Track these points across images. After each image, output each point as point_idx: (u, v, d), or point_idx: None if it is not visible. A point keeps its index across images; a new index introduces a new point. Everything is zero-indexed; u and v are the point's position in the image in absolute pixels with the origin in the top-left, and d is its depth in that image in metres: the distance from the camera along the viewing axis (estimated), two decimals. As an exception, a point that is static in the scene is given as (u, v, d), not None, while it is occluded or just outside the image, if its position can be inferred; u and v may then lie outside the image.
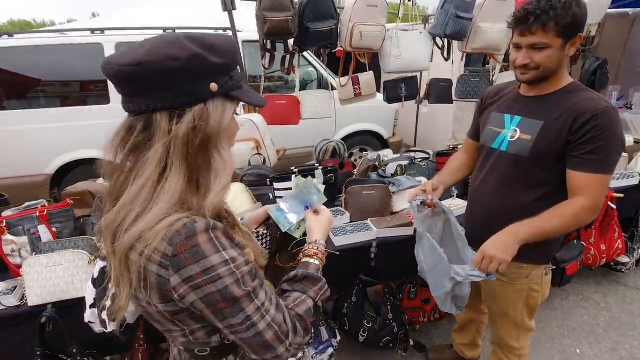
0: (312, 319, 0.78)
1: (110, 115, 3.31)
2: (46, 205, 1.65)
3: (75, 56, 3.36)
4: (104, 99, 3.42)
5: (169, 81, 0.62)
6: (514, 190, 1.30)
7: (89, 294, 1.24)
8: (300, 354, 0.86)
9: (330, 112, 2.47)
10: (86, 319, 1.26)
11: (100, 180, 2.02)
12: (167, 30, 3.86)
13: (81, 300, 1.31)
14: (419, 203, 1.46)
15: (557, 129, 1.19)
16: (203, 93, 0.65)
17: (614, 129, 1.14)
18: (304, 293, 0.79)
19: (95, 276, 1.22)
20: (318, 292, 0.81)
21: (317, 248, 0.90)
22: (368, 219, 1.97)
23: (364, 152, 3.83)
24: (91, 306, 1.24)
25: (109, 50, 3.35)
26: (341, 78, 2.48)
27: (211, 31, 4.04)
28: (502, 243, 1.19)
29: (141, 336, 1.54)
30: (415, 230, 1.95)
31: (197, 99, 0.65)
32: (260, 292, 0.68)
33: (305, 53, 3.30)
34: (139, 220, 0.63)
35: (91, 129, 3.32)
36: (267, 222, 1.06)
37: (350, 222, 2.00)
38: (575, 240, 2.41)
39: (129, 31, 3.69)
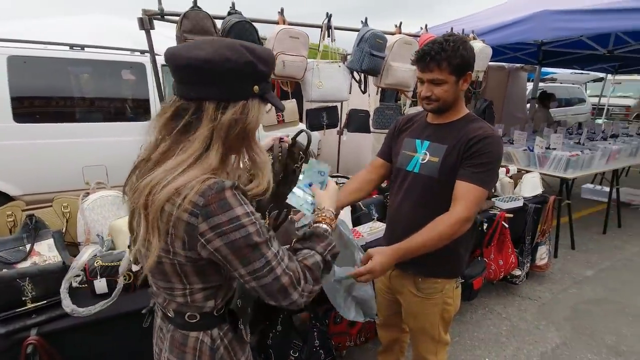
0: (320, 272, 0.87)
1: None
2: None
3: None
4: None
5: (225, 78, 0.76)
6: (429, 211, 1.38)
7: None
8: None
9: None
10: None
11: None
12: (74, 48, 3.54)
13: None
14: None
15: (457, 152, 1.37)
16: (247, 92, 0.79)
17: (497, 152, 1.35)
18: (312, 249, 0.89)
19: None
20: (326, 248, 0.90)
21: (325, 214, 0.99)
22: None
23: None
24: None
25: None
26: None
27: (127, 52, 3.85)
28: (388, 266, 1.29)
29: None
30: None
31: (242, 96, 0.79)
32: (275, 243, 0.80)
33: None
34: (177, 180, 0.73)
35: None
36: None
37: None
38: (479, 258, 2.68)
39: (25, 45, 3.31)
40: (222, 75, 0.75)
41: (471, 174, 1.33)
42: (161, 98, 2.32)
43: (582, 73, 9.34)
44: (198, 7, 2.07)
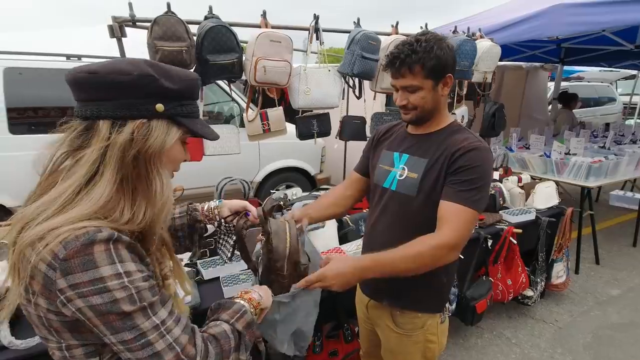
0: (233, 344, 0.75)
1: None
2: None
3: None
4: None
5: (117, 93, 0.67)
6: (406, 231, 1.20)
7: None
8: None
9: (237, 149, 2.32)
10: None
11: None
12: (70, 58, 3.56)
13: None
14: None
15: (439, 167, 1.19)
16: (147, 110, 0.69)
17: (486, 166, 1.16)
18: (217, 319, 0.79)
19: None
20: (233, 316, 0.80)
21: (251, 296, 0.89)
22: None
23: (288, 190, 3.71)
24: None
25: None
26: (249, 113, 2.37)
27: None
28: (345, 277, 1.06)
29: None
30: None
31: (140, 114, 0.69)
32: (161, 310, 0.67)
33: (231, 87, 3.16)
34: (52, 219, 0.63)
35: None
36: (239, 214, 1.15)
37: (248, 269, 1.80)
38: (484, 277, 2.43)
39: (22, 56, 3.33)
40: (112, 88, 0.67)
41: (457, 192, 1.13)
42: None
43: (611, 70, 8.77)
44: (171, 12, 1.96)
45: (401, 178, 1.26)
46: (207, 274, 1.71)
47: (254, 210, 1.17)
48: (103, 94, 0.67)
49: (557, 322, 2.73)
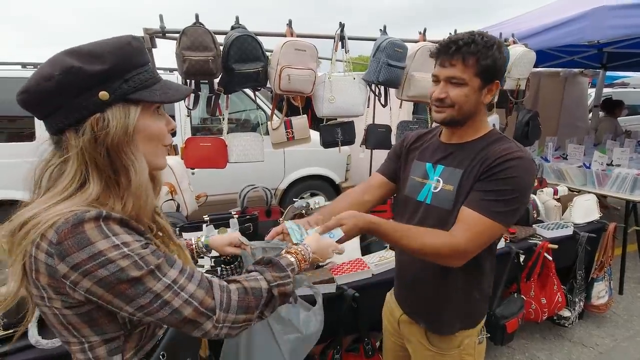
0: (262, 302, 0.75)
1: None
2: None
3: None
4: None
5: (55, 101, 0.64)
6: None
7: None
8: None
9: (261, 156, 2.33)
10: None
11: None
12: (27, 67, 3.51)
13: None
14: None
15: (473, 176, 1.10)
16: (94, 104, 0.65)
17: (523, 178, 1.05)
18: (261, 274, 0.78)
19: None
20: (276, 278, 0.78)
21: (299, 249, 0.90)
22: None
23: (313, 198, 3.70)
24: None
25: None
26: (273, 121, 2.38)
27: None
28: (357, 220, 1.05)
29: None
30: (337, 288, 1.76)
31: (90, 111, 0.65)
32: (170, 270, 0.67)
33: (256, 95, 3.21)
34: (43, 213, 0.63)
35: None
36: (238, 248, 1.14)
37: (269, 277, 1.79)
38: (515, 294, 2.29)
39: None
40: (47, 99, 0.64)
41: (481, 200, 1.05)
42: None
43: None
44: (200, 23, 2.02)
45: (436, 190, 1.17)
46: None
47: (244, 240, 1.17)
48: (46, 108, 0.65)
49: (598, 346, 2.52)
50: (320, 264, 1.95)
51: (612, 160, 3.37)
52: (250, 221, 1.89)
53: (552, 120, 5.05)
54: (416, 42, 2.62)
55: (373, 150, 2.75)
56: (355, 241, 2.11)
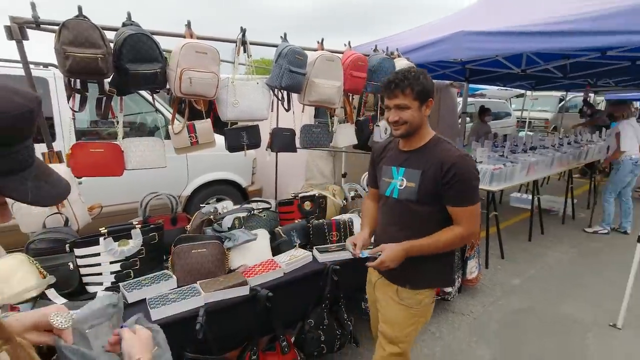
0: None
1: None
2: None
3: None
4: None
5: None
6: (412, 232, 1.51)
7: None
8: None
9: (162, 162, 2.19)
10: None
11: None
12: None
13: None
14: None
15: (432, 175, 1.48)
16: None
17: (470, 171, 1.47)
18: None
19: None
20: None
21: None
22: (198, 282, 1.72)
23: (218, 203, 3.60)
24: None
25: None
26: (175, 125, 2.27)
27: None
28: (397, 254, 1.46)
29: None
30: (250, 290, 1.78)
31: None
32: None
33: (154, 97, 2.98)
34: None
35: None
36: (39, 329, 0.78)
37: (178, 287, 1.72)
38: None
39: None
40: None
41: (459, 199, 1.47)
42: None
43: (506, 89, 10.13)
44: (83, 16, 1.82)
45: (401, 187, 1.56)
46: (131, 296, 1.58)
47: (57, 322, 0.79)
48: None
49: (472, 312, 3.03)
50: (232, 268, 1.95)
51: (476, 158, 4.06)
52: (154, 230, 1.78)
53: (432, 125, 5.83)
54: (315, 50, 2.78)
55: (278, 154, 2.82)
56: (266, 243, 2.15)
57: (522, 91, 9.81)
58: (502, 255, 4.09)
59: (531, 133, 7.48)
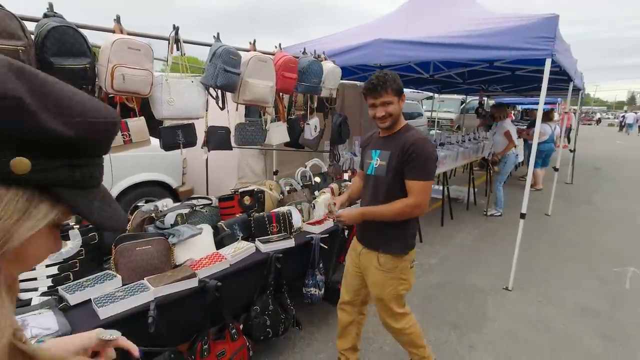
0: None
1: None
2: None
3: None
4: None
5: None
6: (381, 200, 1.87)
7: None
8: None
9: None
10: None
11: None
12: None
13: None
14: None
15: (397, 155, 1.82)
16: None
17: (426, 150, 1.80)
18: None
19: None
20: None
21: None
22: (145, 278, 1.72)
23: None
24: None
25: None
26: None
27: None
28: (352, 215, 1.90)
29: None
30: (199, 282, 1.84)
31: None
32: None
33: None
34: None
35: None
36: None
37: (123, 285, 1.70)
38: (344, 262, 2.86)
39: None
40: None
41: (413, 173, 1.78)
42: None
43: (418, 92, 11.19)
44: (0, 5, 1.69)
45: (377, 166, 1.92)
46: (74, 298, 1.54)
47: (107, 334, 0.75)
48: None
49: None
50: (178, 263, 1.97)
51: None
52: (94, 230, 1.72)
53: (356, 123, 6.26)
54: (248, 51, 2.87)
55: (215, 151, 2.84)
56: (210, 237, 2.20)
57: (431, 94, 10.93)
58: (421, 239, 4.61)
59: (440, 131, 8.42)
